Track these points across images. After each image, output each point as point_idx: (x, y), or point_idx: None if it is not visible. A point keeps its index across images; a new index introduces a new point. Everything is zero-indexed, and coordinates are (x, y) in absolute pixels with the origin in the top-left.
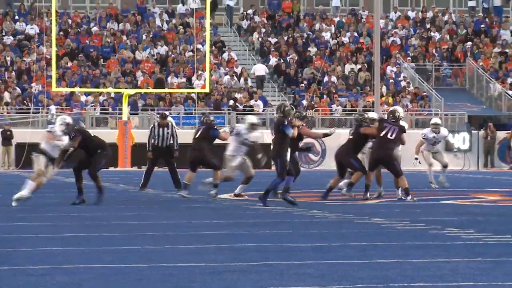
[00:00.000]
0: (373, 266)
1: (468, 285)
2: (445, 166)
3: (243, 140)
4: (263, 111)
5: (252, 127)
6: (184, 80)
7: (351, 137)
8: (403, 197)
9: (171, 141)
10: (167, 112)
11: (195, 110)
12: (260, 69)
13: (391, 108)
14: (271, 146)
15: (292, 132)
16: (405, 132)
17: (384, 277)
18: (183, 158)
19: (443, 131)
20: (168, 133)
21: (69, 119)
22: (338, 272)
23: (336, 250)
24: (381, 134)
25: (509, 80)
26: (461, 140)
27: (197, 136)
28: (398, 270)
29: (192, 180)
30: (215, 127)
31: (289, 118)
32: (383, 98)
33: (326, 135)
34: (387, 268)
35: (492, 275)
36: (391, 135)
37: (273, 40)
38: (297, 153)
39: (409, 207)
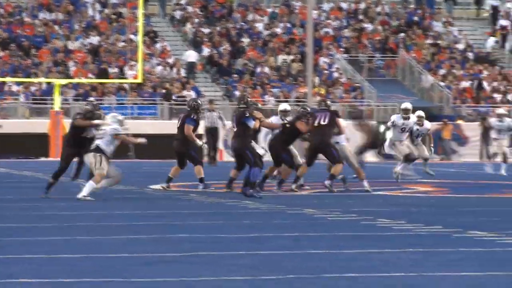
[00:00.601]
0: (305, 256)
1: (399, 275)
2: (425, 159)
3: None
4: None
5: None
6: (116, 70)
7: (287, 125)
8: (325, 183)
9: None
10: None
11: (127, 100)
12: (191, 56)
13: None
14: (232, 138)
15: (254, 124)
16: (338, 116)
17: (317, 268)
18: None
19: (427, 124)
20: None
21: (119, 116)
22: (271, 263)
23: (268, 241)
24: (315, 124)
25: (441, 71)
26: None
27: (179, 126)
28: (330, 260)
29: (177, 174)
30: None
31: (250, 110)
32: (316, 89)
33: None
34: (319, 258)
35: (423, 265)
36: (323, 121)
37: (206, 31)
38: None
39: (341, 198)
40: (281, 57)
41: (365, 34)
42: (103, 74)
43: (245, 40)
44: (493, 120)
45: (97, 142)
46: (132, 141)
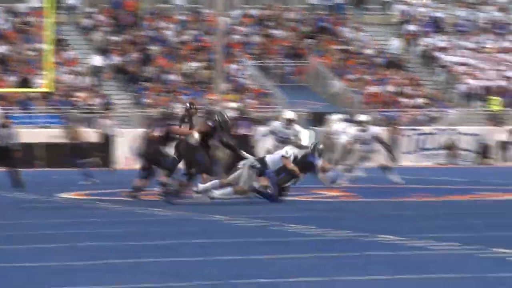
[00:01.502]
0: (213, 263)
1: (309, 280)
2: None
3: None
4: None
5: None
6: (25, 79)
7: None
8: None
9: (12, 141)
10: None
11: (35, 109)
12: (97, 60)
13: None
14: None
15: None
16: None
17: (224, 274)
18: (25, 158)
19: (373, 129)
20: (9, 132)
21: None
22: (178, 270)
23: (176, 248)
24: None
25: (350, 76)
26: (306, 137)
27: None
28: (239, 267)
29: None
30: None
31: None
32: (226, 96)
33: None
34: (227, 265)
35: (333, 270)
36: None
37: (115, 39)
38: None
39: (250, 204)
40: (190, 64)
41: (275, 40)
42: (25, 83)
43: (154, 48)
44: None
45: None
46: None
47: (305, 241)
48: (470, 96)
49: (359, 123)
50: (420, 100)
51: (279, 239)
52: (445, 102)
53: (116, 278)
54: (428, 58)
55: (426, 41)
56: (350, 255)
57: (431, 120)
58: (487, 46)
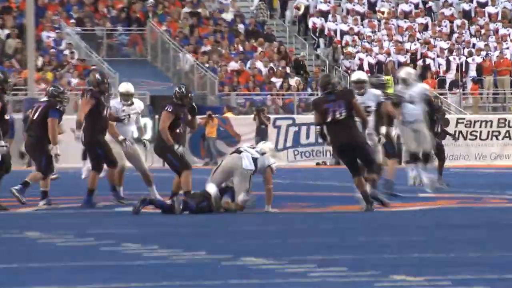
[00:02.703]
0: None
1: None
2: None
3: None
4: None
5: None
6: None
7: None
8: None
9: None
10: None
11: None
12: None
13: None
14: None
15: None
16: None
17: None
18: None
19: (138, 103)
20: None
21: None
22: None
23: None
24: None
25: (203, 48)
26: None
27: (34, 117)
28: None
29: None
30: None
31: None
32: (40, 73)
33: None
34: None
35: None
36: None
37: None
38: None
39: (74, 217)
40: None
41: (103, 1)
42: None
43: None
44: None
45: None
46: None
47: (146, 266)
48: None
49: None
50: (294, 81)
51: (113, 263)
52: None
53: None
54: (303, 25)
55: (300, 2)
56: (206, 284)
57: (310, 107)
58: (380, 10)
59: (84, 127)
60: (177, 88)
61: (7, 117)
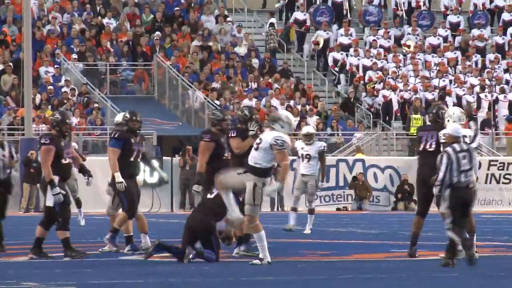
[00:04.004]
0: None
1: None
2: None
3: None
4: None
5: None
6: None
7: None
8: None
9: None
10: None
11: None
12: None
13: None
14: None
15: None
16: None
17: None
18: None
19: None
20: None
21: None
22: None
23: None
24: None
25: (214, 84)
26: (147, 171)
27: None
28: None
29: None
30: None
31: None
32: (38, 112)
33: None
34: None
35: None
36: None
37: None
38: None
39: (75, 266)
40: None
41: (107, 33)
42: None
43: None
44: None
45: None
46: None
47: None
48: (386, 114)
49: None
50: (313, 120)
51: None
52: (347, 122)
53: None
54: (322, 60)
55: (320, 35)
56: None
57: (329, 148)
58: (407, 43)
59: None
60: (240, 112)
61: (64, 161)
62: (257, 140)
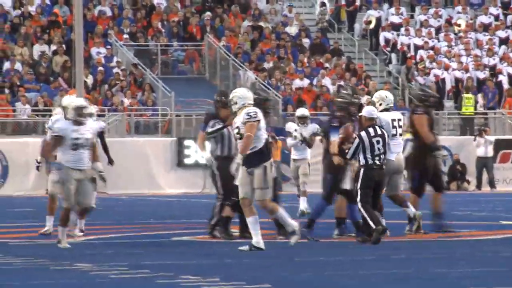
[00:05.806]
0: None
1: None
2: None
3: None
4: None
5: None
6: None
7: None
8: None
9: None
10: None
11: None
12: None
13: None
14: None
15: None
16: None
17: None
18: None
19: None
20: None
21: None
22: None
23: None
24: None
25: (265, 65)
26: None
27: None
28: None
29: None
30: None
31: None
32: (90, 95)
33: None
34: None
35: None
36: None
37: None
38: None
39: (128, 247)
40: (38, 47)
41: (157, 14)
42: None
43: None
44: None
45: None
46: None
47: None
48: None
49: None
50: (365, 99)
51: None
52: (398, 102)
53: None
54: (374, 40)
55: (371, 15)
56: None
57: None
58: (457, 22)
59: None
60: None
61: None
62: (235, 130)
